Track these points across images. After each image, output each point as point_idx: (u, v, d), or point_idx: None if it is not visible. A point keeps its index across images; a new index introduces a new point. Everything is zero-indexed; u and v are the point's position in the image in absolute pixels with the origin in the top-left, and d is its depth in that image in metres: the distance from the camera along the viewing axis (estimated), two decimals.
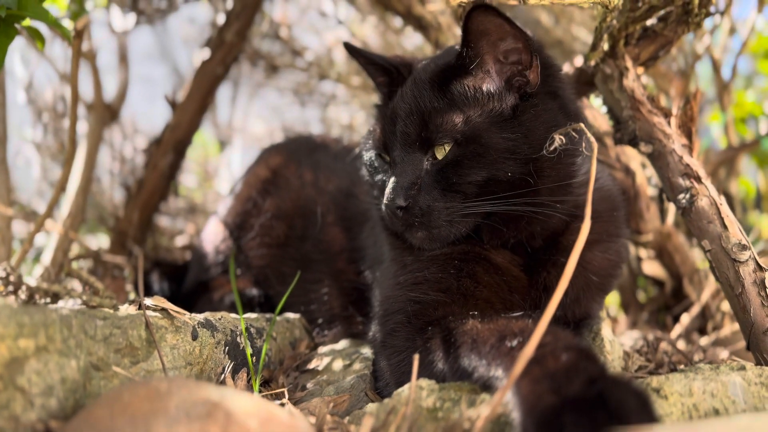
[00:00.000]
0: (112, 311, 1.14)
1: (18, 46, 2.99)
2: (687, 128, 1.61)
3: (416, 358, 1.04)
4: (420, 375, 1.10)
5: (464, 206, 1.28)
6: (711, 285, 2.38)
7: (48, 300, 1.86)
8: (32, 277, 2.10)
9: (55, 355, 0.95)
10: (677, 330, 2.26)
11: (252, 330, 1.43)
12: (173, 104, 2.62)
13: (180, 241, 3.08)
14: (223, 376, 1.27)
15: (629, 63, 1.69)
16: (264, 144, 3.53)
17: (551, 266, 1.38)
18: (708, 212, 1.46)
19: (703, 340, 2.21)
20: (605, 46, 1.67)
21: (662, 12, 1.62)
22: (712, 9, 1.61)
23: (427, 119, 1.29)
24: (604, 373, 0.87)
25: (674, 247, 2.38)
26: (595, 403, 0.80)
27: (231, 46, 2.49)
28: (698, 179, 1.51)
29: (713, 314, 2.41)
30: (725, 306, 2.38)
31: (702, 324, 2.41)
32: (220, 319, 1.36)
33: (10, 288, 1.74)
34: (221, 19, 2.50)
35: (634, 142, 1.63)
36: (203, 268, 2.07)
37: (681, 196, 1.50)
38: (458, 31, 2.26)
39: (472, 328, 1.10)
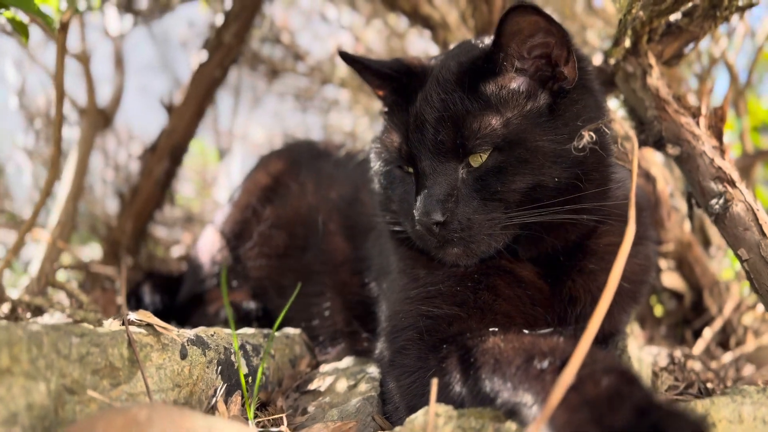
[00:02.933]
0: (90, 327, 1.02)
1: (10, 49, 2.91)
2: (717, 129, 1.50)
3: (434, 382, 0.91)
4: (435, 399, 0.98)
5: (507, 217, 1.16)
6: (733, 297, 2.26)
7: (30, 314, 1.75)
8: (18, 288, 1.98)
9: (20, 378, 0.83)
10: (700, 345, 2.14)
11: (248, 347, 1.31)
12: (169, 108, 2.51)
13: (176, 251, 2.96)
14: (214, 399, 1.15)
15: (653, 60, 1.58)
16: (264, 151, 3.43)
17: (576, 274, 1.27)
18: (744, 219, 1.34)
19: (727, 356, 2.09)
20: (627, 43, 1.56)
21: (688, 5, 1.52)
22: (740, 2, 1.50)
23: (461, 124, 1.17)
24: (652, 401, 0.75)
25: (694, 257, 2.26)
26: None
27: (229, 48, 2.39)
28: (732, 183, 1.39)
29: (735, 328, 2.29)
30: (747, 320, 2.27)
31: (723, 339, 2.30)
32: (212, 335, 1.23)
33: None
34: (219, 20, 2.40)
35: (659, 144, 1.52)
36: (198, 280, 1.96)
37: (713, 201, 1.38)
38: (467, 31, 2.16)
39: (494, 346, 0.98)
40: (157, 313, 1.98)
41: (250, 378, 1.27)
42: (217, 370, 1.19)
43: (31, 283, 1.89)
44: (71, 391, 0.93)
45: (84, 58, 2.45)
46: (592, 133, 1.06)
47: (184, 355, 1.12)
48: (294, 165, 1.99)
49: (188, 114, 2.48)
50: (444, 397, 1.00)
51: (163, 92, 2.53)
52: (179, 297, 2.04)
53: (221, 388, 1.17)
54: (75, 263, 2.06)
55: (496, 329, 1.06)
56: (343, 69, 3.20)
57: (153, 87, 3.48)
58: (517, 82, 1.20)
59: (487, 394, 0.92)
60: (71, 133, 2.59)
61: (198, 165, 3.66)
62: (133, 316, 1.10)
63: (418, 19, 2.19)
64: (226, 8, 2.39)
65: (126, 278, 2.06)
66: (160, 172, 2.50)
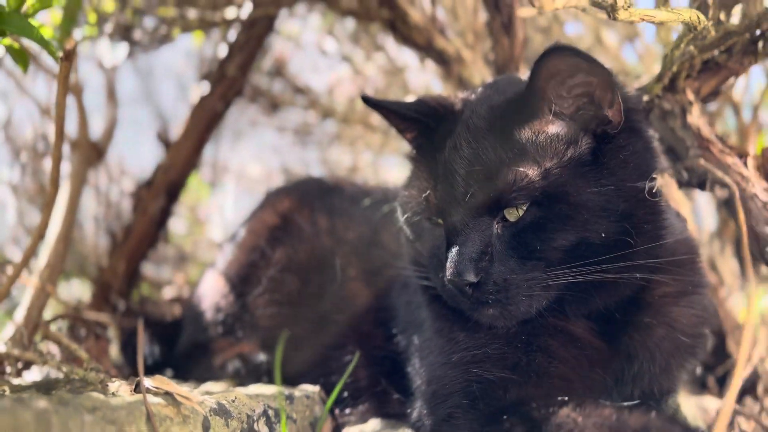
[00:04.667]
0: (102, 398, 0.89)
1: None
2: (765, 170, 1.42)
3: None
4: None
5: (547, 276, 1.05)
6: (762, 342, 2.18)
7: (20, 366, 1.59)
8: (3, 339, 1.82)
9: None
10: (731, 394, 2.03)
11: (270, 413, 1.18)
12: (166, 143, 2.39)
13: (168, 292, 2.81)
14: None
15: (692, 97, 1.51)
16: (261, 187, 3.31)
17: (633, 329, 1.15)
18: None
19: (758, 405, 1.99)
20: (666, 80, 1.49)
21: (732, 41, 1.45)
22: None
23: (494, 176, 1.06)
24: None
25: (719, 300, 2.18)
26: None
27: (233, 81, 2.29)
28: None
29: (759, 375, 2.20)
30: None
31: (747, 384, 2.21)
32: (233, 401, 1.10)
33: None
34: (223, 51, 2.30)
35: (703, 186, 1.44)
36: (200, 328, 1.80)
37: None
38: (484, 67, 2.08)
39: (569, 420, 0.86)
40: (157, 366, 1.85)
41: None
42: None
43: (17, 332, 1.73)
44: None
45: (77, 90, 2.33)
46: (654, 183, 0.96)
47: (206, 428, 0.98)
48: (304, 203, 1.86)
49: (187, 149, 2.37)
50: None
51: (148, 126, 2.42)
52: (178, 346, 1.89)
53: None
54: (65, 312, 1.90)
55: (566, 398, 0.94)
56: (343, 103, 3.11)
57: (138, 120, 3.36)
58: (556, 127, 1.09)
59: None
60: (61, 167, 2.45)
61: (190, 200, 3.52)
62: (149, 383, 0.96)
63: (432, 52, 2.12)
64: (229, 39, 2.30)
65: (122, 327, 1.91)
66: (155, 210, 2.37)
